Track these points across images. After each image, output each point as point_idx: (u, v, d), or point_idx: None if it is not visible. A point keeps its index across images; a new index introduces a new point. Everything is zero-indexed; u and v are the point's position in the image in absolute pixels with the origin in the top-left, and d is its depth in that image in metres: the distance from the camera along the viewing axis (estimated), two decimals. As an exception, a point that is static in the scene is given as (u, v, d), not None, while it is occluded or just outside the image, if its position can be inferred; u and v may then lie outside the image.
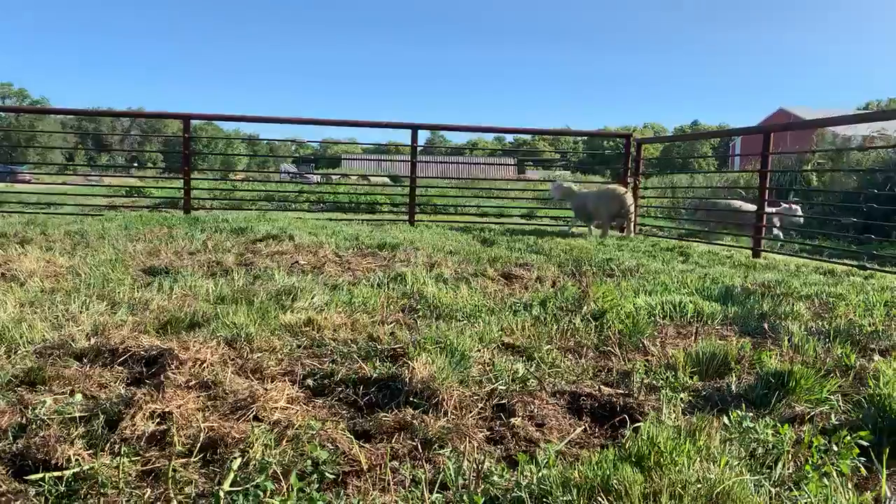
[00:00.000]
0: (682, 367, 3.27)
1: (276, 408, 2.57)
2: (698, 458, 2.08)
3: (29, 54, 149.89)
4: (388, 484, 2.04)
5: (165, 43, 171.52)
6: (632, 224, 11.28)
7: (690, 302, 4.70)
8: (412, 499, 1.90)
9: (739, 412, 2.50)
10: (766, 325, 4.21)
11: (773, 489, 1.99)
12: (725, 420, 2.49)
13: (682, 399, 2.87)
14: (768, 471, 2.16)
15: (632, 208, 11.15)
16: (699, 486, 1.85)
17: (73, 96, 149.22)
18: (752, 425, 2.39)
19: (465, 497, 1.87)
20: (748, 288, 5.51)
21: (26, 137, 38.38)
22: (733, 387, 3.08)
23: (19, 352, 3.19)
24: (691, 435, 2.29)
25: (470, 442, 2.38)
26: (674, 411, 2.67)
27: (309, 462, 2.13)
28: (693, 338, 3.92)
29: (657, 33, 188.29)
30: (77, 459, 2.12)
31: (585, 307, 4.26)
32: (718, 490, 1.81)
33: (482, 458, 2.18)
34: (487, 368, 3.15)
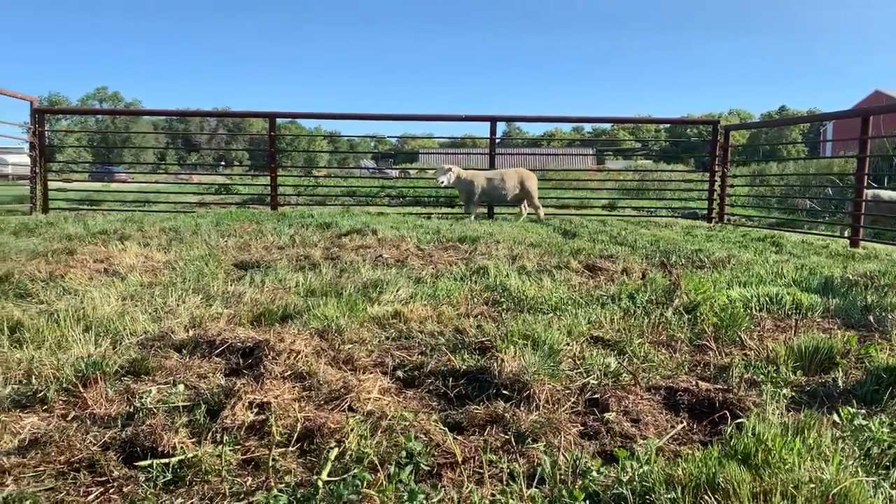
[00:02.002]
0: (783, 361, 3.13)
1: (369, 399, 2.60)
2: (809, 457, 1.98)
3: (120, 56, 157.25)
4: (484, 477, 2.03)
5: (247, 44, 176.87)
6: (538, 210, 11.47)
7: (787, 294, 4.51)
8: (509, 492, 1.88)
9: (850, 409, 2.37)
10: (871, 318, 3.99)
11: (892, 491, 1.87)
12: (835, 417, 2.36)
13: (784, 395, 2.75)
14: (885, 471, 2.03)
15: (532, 191, 11.32)
16: (812, 486, 1.76)
17: (163, 98, 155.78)
18: (864, 423, 2.26)
19: (563, 492, 1.83)
20: (849, 279, 5.23)
21: (122, 139, 40.32)
22: (840, 382, 2.92)
23: (123, 343, 3.33)
24: (800, 432, 2.18)
25: (564, 437, 2.34)
26: (777, 407, 2.56)
27: (403, 453, 2.13)
28: (793, 331, 3.75)
29: (741, 16, 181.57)
30: (182, 447, 2.19)
31: (677, 300, 4.14)
32: (835, 491, 1.71)
33: (578, 453, 2.14)
34: (578, 362, 3.09)
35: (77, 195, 13.47)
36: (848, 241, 8.92)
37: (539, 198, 11.34)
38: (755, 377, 2.96)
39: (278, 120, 12.28)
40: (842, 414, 2.36)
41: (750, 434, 2.11)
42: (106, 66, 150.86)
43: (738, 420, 2.40)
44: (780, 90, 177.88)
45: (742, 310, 4.05)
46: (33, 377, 2.82)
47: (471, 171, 11.58)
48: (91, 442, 2.27)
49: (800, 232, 10.41)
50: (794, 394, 2.80)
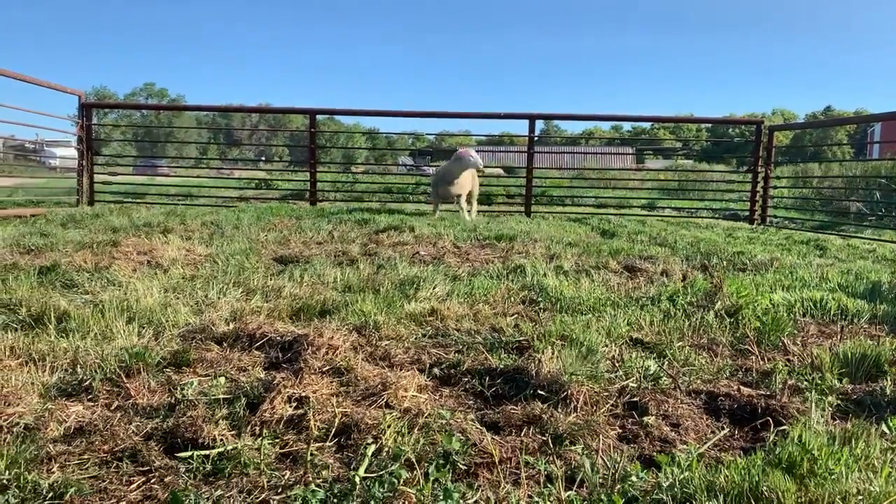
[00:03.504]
0: (828, 368, 3.06)
1: (406, 396, 2.60)
2: (857, 468, 1.92)
3: (168, 52, 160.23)
4: (521, 478, 2.01)
5: (287, 42, 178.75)
6: (466, 207, 10.19)
7: (832, 298, 4.40)
8: (546, 495, 1.86)
9: (900, 419, 2.31)
10: (921, 326, 3.87)
11: (944, 506, 1.81)
12: (884, 427, 2.30)
13: (830, 403, 2.68)
14: (936, 485, 1.97)
15: (458, 188, 9.95)
16: (860, 498, 1.71)
17: (206, 94, 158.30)
18: (915, 434, 2.19)
19: (602, 496, 1.81)
20: (898, 284, 5.10)
21: (165, 133, 41.09)
22: (888, 391, 2.84)
23: (165, 334, 3.38)
24: (847, 442, 2.13)
25: (602, 439, 2.31)
26: (822, 415, 2.50)
27: (440, 452, 2.13)
28: (838, 337, 3.66)
29: (783, 13, 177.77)
30: (222, 439, 2.22)
31: (718, 303, 4.07)
32: (884, 504, 1.67)
33: (617, 456, 2.12)
34: (616, 364, 3.06)
35: (122, 188, 13.74)
36: (896, 246, 8.67)
37: (576, 197, 11.11)
38: (799, 384, 2.90)
39: (318, 116, 12.37)
40: (890, 424, 2.30)
41: (795, 442, 2.06)
42: (154, 61, 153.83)
43: (782, 427, 2.35)
44: (826, 90, 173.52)
45: (785, 314, 3.97)
46: (78, 366, 2.88)
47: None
48: (134, 432, 2.31)
49: (845, 235, 10.16)
50: (839, 402, 2.73)
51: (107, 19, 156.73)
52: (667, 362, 3.16)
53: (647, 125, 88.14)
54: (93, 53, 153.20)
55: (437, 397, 2.74)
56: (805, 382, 2.90)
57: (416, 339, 3.46)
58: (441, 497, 1.82)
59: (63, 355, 3.00)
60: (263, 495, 1.95)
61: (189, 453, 2.14)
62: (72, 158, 14.02)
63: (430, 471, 1.94)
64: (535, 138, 12.23)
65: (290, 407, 2.46)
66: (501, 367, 2.97)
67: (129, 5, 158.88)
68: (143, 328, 3.44)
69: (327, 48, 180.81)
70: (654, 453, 2.19)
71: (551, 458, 2.18)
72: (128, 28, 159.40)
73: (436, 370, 3.01)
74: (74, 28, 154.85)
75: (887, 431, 2.27)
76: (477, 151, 10.73)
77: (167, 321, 3.57)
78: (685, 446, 2.27)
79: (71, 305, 3.73)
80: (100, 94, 78.63)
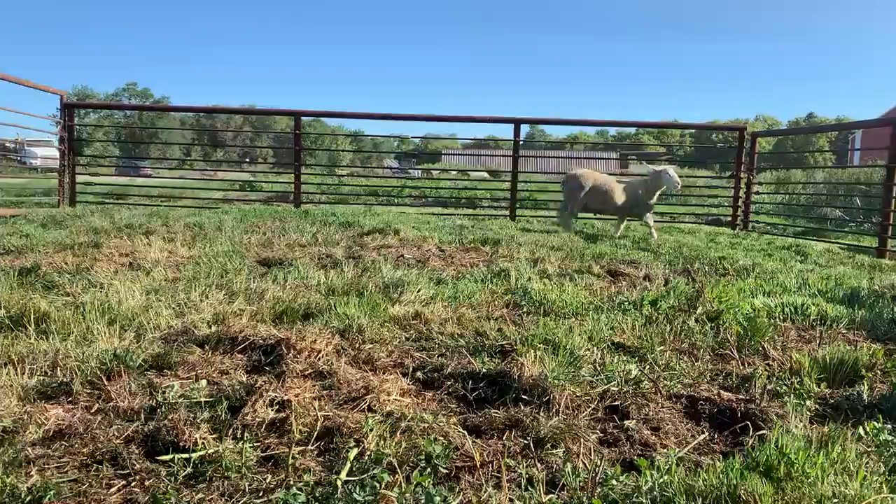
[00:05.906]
0: (806, 372, 3.09)
1: (389, 399, 2.60)
2: (833, 472, 1.95)
3: (151, 52, 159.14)
4: (502, 481, 2.02)
5: (274, 44, 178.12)
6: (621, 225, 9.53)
7: (812, 304, 4.45)
8: (527, 498, 1.87)
9: (875, 423, 2.34)
10: (898, 331, 3.92)
11: (918, 509, 1.84)
12: (860, 431, 2.33)
13: (808, 407, 2.71)
14: (911, 489, 2.00)
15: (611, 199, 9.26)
16: (836, 501, 1.73)
17: (191, 94, 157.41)
18: (891, 438, 2.23)
19: (582, 499, 1.82)
20: (876, 290, 5.17)
21: (149, 134, 40.80)
22: (865, 396, 2.88)
23: (147, 337, 3.36)
24: (824, 446, 2.15)
25: (583, 443, 2.33)
26: (801, 420, 2.53)
27: (422, 455, 2.14)
28: (817, 342, 3.70)
29: (768, 19, 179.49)
30: (203, 443, 2.21)
31: (700, 307, 4.10)
32: (859, 507, 1.69)
33: (597, 460, 2.13)
34: (598, 368, 3.07)
35: (104, 189, 13.64)
36: (875, 252, 8.79)
37: (560, 201, 11.02)
38: (778, 388, 2.92)
39: (303, 118, 12.33)
40: (867, 428, 2.33)
41: (773, 446, 2.08)
42: (137, 61, 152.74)
43: (761, 432, 2.38)
44: (809, 97, 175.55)
45: (766, 319, 4.00)
46: (58, 369, 2.85)
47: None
48: (114, 435, 2.29)
49: (825, 241, 10.28)
50: (817, 406, 2.77)
51: (89, 18, 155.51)
52: (648, 366, 3.18)
53: (631, 130, 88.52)
54: (74, 52, 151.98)
55: (420, 401, 2.74)
56: (784, 387, 2.93)
57: (399, 342, 3.46)
58: (423, 501, 1.82)
59: (43, 357, 2.97)
60: (245, 499, 1.94)
61: (170, 456, 2.14)
62: (53, 158, 13.90)
63: (411, 474, 1.94)
64: (521, 142, 12.27)
65: (272, 410, 2.46)
66: (484, 370, 2.98)
67: (112, 4, 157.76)
68: (125, 330, 3.42)
69: (315, 47, 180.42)
70: (635, 457, 2.21)
71: (533, 462, 2.19)
72: (110, 27, 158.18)
73: (419, 374, 3.01)
74: (56, 26, 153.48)
75: (864, 435, 2.30)
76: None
77: (149, 323, 3.55)
78: (665, 450, 2.28)
79: (51, 307, 3.69)
80: (81, 93, 77.91)
